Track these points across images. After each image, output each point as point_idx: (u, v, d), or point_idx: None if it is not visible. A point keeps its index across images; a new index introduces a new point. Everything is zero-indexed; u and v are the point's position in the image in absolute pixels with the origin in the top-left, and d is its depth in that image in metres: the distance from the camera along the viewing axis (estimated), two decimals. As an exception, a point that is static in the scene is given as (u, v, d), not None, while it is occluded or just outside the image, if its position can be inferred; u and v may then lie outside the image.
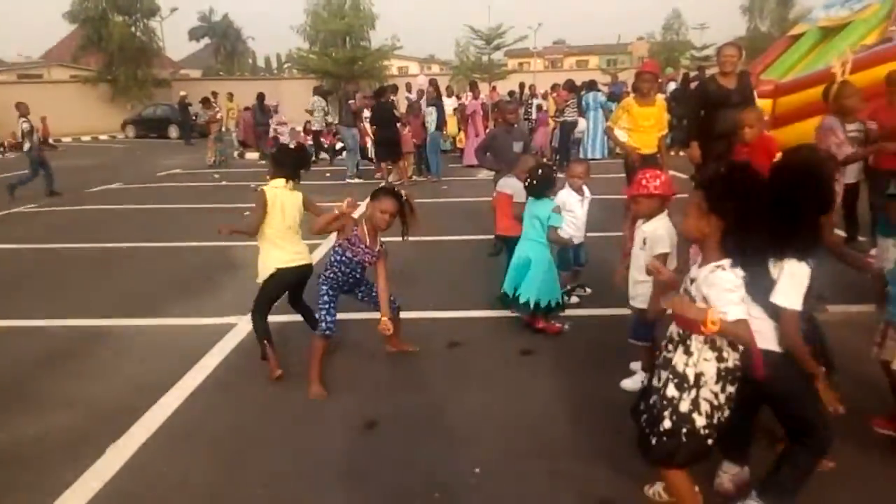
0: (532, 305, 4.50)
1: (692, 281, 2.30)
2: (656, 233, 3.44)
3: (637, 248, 3.62)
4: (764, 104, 13.12)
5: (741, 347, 2.27)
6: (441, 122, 13.78)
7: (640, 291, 3.61)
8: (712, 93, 5.80)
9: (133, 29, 34.04)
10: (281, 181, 4.18)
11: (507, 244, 5.09)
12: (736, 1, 44.05)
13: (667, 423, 2.31)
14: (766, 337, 2.35)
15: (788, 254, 2.29)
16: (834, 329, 3.24)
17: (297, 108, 20.54)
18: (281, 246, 4.13)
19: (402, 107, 14.96)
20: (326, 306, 3.93)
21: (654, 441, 2.35)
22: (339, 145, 16.27)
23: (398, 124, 12.45)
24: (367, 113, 13.54)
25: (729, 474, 2.74)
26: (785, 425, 2.51)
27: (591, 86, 16.65)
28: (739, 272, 2.18)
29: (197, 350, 4.51)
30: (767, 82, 14.63)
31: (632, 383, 3.70)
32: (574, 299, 5.22)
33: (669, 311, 2.38)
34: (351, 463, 3.16)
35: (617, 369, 3.89)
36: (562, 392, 3.79)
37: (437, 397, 3.79)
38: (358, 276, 4.04)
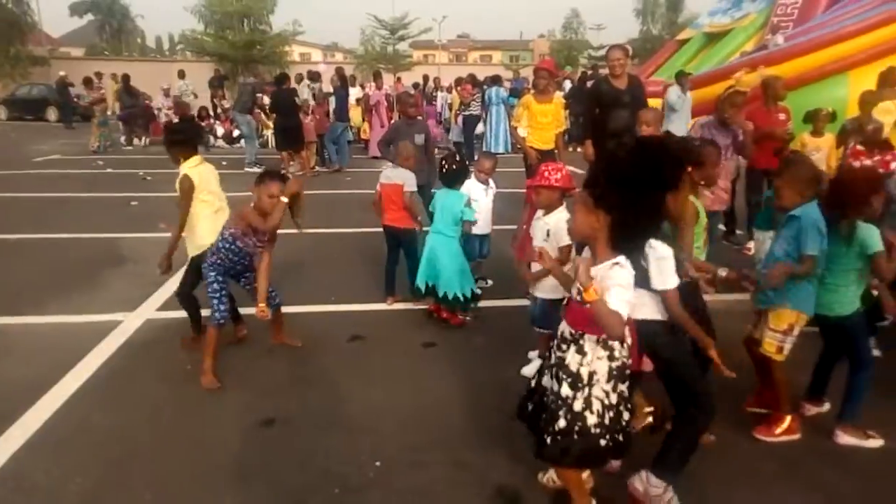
0: (451, 298, 4.58)
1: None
2: (559, 225, 3.54)
3: (540, 240, 3.73)
4: (655, 104, 13.86)
5: (630, 341, 2.36)
6: (345, 112, 13.56)
7: (544, 284, 3.71)
8: (605, 93, 6.03)
9: (3, 1, 31.12)
10: (195, 158, 4.13)
11: (395, 236, 5.08)
12: (630, 4, 46.22)
13: (561, 423, 2.35)
14: (650, 307, 2.50)
15: (647, 234, 2.36)
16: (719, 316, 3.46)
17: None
18: (214, 218, 4.07)
19: (306, 95, 14.57)
20: (217, 295, 3.82)
21: (548, 440, 2.39)
22: (235, 132, 15.66)
23: (300, 113, 12.13)
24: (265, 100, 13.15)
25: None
26: (673, 397, 2.65)
27: (495, 81, 16.93)
28: (631, 268, 2.24)
29: (80, 349, 4.21)
30: (658, 83, 15.42)
31: (531, 370, 3.80)
32: (477, 292, 5.30)
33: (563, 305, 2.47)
34: (246, 462, 3.05)
35: (517, 359, 3.99)
36: (463, 383, 3.84)
37: (338, 392, 3.73)
38: (245, 262, 3.94)
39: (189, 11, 33.56)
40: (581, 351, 2.35)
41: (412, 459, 3.06)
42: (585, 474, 2.68)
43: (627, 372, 2.38)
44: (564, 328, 2.43)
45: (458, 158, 4.82)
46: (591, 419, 2.32)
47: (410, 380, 3.90)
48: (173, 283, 4.81)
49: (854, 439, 3.17)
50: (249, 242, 3.81)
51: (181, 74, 17.36)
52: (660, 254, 2.42)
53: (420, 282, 4.71)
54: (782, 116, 6.30)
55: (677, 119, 10.93)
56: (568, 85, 17.63)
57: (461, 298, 4.61)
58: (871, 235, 3.02)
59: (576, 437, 2.33)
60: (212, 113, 18.35)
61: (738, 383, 3.55)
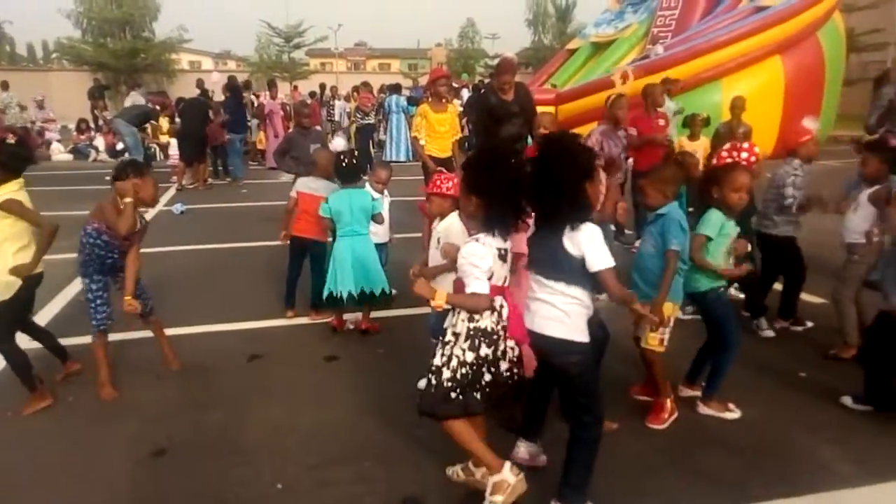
0: (379, 294, 4.58)
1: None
2: (450, 230, 3.58)
3: (433, 248, 3.75)
4: (548, 112, 14.35)
5: (505, 312, 2.53)
6: (241, 123, 13.15)
7: (440, 284, 3.72)
8: (495, 106, 6.15)
9: None
10: (14, 182, 3.52)
11: (304, 247, 4.97)
12: (522, 14, 47.62)
13: (427, 379, 2.61)
14: (566, 325, 2.54)
15: (569, 221, 2.45)
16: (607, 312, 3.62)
17: (69, 104, 18.37)
18: (28, 249, 3.56)
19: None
20: (96, 297, 3.65)
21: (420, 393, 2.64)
22: (119, 145, 14.78)
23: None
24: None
25: (524, 445, 2.98)
26: (567, 404, 2.73)
27: (394, 89, 16.96)
28: (492, 242, 2.45)
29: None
30: (549, 91, 15.99)
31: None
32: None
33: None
34: (136, 497, 2.87)
35: (419, 368, 3.96)
36: (367, 395, 3.79)
37: (236, 414, 3.59)
38: (116, 256, 3.73)
39: (65, 16, 31.51)
40: (454, 313, 2.58)
41: (316, 478, 2.99)
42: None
43: (497, 337, 2.53)
44: None
45: (355, 154, 4.75)
46: (446, 374, 2.53)
47: (313, 396, 3.81)
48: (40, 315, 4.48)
49: (713, 411, 3.46)
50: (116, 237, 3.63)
51: (5, 86, 16.14)
52: (590, 233, 2.45)
53: (354, 289, 4.52)
54: (661, 122, 6.69)
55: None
56: (466, 93, 17.93)
57: (387, 294, 4.61)
58: (705, 219, 3.35)
59: (432, 389, 2.56)
60: (92, 125, 17.27)
61: (621, 373, 3.78)
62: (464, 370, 2.51)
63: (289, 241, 4.99)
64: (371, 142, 15.40)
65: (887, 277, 3.39)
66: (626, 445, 3.21)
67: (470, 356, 2.50)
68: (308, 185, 4.92)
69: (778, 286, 4.82)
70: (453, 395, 2.51)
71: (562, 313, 2.53)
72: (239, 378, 4.05)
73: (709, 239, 3.35)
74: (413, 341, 4.38)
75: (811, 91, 13.99)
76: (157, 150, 15.89)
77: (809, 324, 4.69)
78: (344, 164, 4.61)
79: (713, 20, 14.81)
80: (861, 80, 24.16)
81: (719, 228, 3.35)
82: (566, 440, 2.66)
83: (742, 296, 4.97)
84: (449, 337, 2.56)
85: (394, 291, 5.34)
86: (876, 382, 3.44)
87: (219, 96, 15.26)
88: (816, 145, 4.62)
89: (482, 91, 13.00)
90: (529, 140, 5.85)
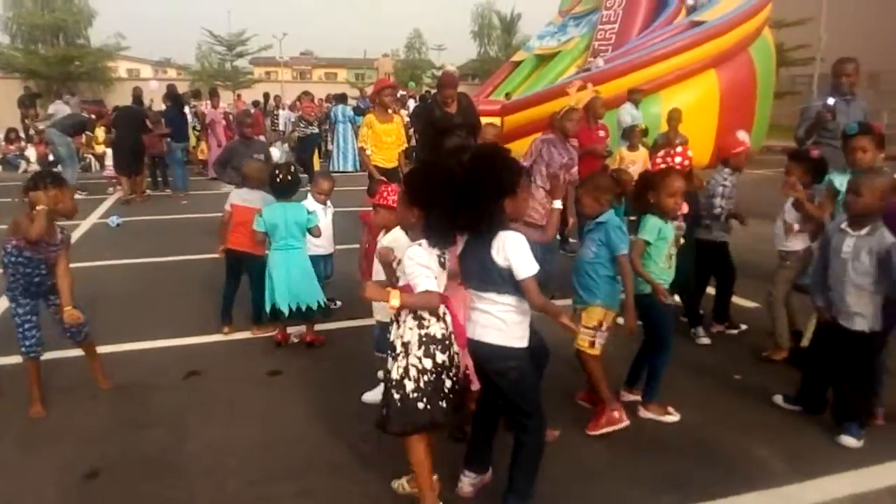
0: (316, 308, 4.52)
1: (399, 262, 2.58)
2: (397, 242, 3.56)
3: (378, 262, 3.73)
4: (494, 122, 14.53)
5: (449, 319, 2.54)
6: (182, 132, 12.82)
7: (383, 304, 3.69)
8: (438, 119, 6.19)
9: None
10: None
11: (239, 261, 4.85)
12: (468, 26, 48.04)
13: (388, 395, 2.54)
14: (503, 332, 2.57)
15: (488, 232, 2.50)
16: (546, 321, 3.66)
17: (-1, 112, 17.56)
18: None
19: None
20: (24, 322, 3.53)
21: (384, 412, 2.55)
22: (52, 156, 14.17)
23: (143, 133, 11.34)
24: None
25: (468, 478, 2.89)
26: (512, 417, 2.73)
27: (340, 99, 16.86)
28: (434, 251, 2.46)
29: None
30: (495, 102, 16.19)
31: (373, 395, 3.73)
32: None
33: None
34: (65, 524, 2.74)
35: (365, 380, 3.94)
36: (312, 409, 3.73)
37: (173, 433, 3.47)
38: (44, 273, 3.58)
39: (-9, 21, 30.20)
40: (399, 325, 2.56)
41: (257, 495, 2.91)
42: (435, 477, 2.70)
43: (448, 342, 2.54)
44: (392, 314, 2.61)
45: (292, 169, 4.69)
46: (410, 385, 2.49)
47: (254, 412, 3.72)
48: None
49: (653, 415, 3.52)
50: (39, 247, 3.48)
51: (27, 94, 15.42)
52: (513, 242, 2.48)
53: (283, 305, 4.45)
54: (602, 133, 6.85)
55: None
56: (412, 104, 17.97)
57: (323, 307, 4.56)
58: (642, 225, 3.45)
59: (398, 404, 2.50)
60: (23, 135, 16.56)
61: (566, 379, 3.83)
62: (426, 377, 2.49)
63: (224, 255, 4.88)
64: (318, 151, 15.22)
65: (814, 284, 3.54)
66: (570, 451, 3.24)
67: (428, 363, 2.49)
68: (242, 196, 4.82)
69: (711, 290, 4.98)
70: (420, 405, 2.48)
71: (498, 321, 2.56)
72: (176, 396, 3.92)
73: (647, 244, 3.44)
74: (358, 353, 4.34)
75: (744, 103, 14.59)
76: (93, 160, 15.34)
77: (743, 326, 4.86)
78: (279, 179, 4.53)
79: (651, 34, 15.30)
80: (790, 93, 25.39)
81: (657, 232, 3.45)
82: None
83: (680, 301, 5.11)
84: (399, 348, 2.53)
85: (339, 303, 5.30)
86: (810, 387, 3.57)
87: (158, 105, 14.86)
88: (747, 157, 4.81)
89: (427, 102, 13.08)
90: None
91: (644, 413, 3.54)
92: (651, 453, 3.26)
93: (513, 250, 2.47)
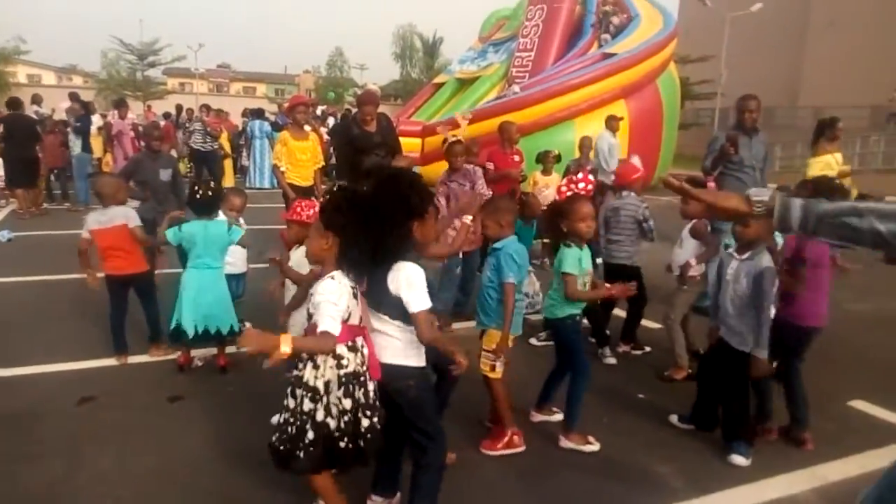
0: (227, 331, 4.35)
1: (311, 295, 2.48)
2: (301, 260, 3.50)
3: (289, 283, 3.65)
4: (414, 143, 14.64)
5: (366, 351, 2.51)
6: (87, 143, 12.15)
7: (296, 320, 3.60)
8: (356, 136, 6.17)
9: None
10: None
11: (126, 284, 4.56)
12: (389, 48, 48.24)
13: (310, 435, 2.44)
14: (400, 350, 2.57)
15: (391, 258, 2.50)
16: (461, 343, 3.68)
17: None
18: None
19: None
20: None
21: (301, 454, 2.44)
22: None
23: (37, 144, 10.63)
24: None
25: (376, 503, 2.85)
26: (412, 438, 2.69)
27: (257, 114, 16.51)
28: (346, 281, 2.43)
29: None
30: (416, 123, 16.31)
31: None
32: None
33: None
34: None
35: (273, 404, 3.79)
36: (214, 436, 3.57)
37: (64, 465, 3.23)
38: None
39: None
40: (315, 365, 2.46)
41: (150, 531, 2.75)
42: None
43: (364, 378, 2.50)
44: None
45: (212, 185, 4.50)
46: (333, 423, 2.46)
47: (153, 439, 3.53)
48: None
49: (574, 444, 3.54)
50: None
51: None
52: (410, 274, 2.47)
53: (188, 325, 4.25)
54: (517, 158, 7.02)
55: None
56: (332, 121, 17.82)
57: (235, 331, 4.37)
58: (563, 259, 3.51)
59: (321, 443, 2.43)
60: None
61: (477, 401, 3.85)
62: (346, 417, 2.46)
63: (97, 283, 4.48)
64: (225, 168, 14.78)
65: (711, 304, 3.73)
66: (480, 471, 3.26)
67: (347, 403, 2.46)
68: (99, 219, 4.47)
69: (619, 312, 5.17)
70: (342, 444, 2.45)
71: (394, 339, 2.58)
72: (67, 424, 3.66)
73: (573, 274, 3.49)
74: (266, 376, 4.15)
75: (651, 132, 15.37)
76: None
77: (647, 348, 5.06)
78: (198, 195, 4.36)
79: (565, 64, 15.89)
80: (694, 125, 27.01)
81: (578, 263, 3.52)
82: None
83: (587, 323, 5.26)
84: (320, 390, 2.44)
85: (247, 324, 5.11)
86: (702, 405, 3.74)
87: (60, 114, 14.04)
88: (644, 182, 5.08)
89: (347, 120, 13.00)
90: None
91: (565, 443, 3.53)
92: (560, 473, 3.32)
93: (406, 283, 2.47)
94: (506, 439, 3.47)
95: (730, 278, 3.48)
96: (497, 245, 3.43)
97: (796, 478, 3.32)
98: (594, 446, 3.54)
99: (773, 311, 3.41)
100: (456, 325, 5.38)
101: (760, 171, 5.87)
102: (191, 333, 4.27)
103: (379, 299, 2.55)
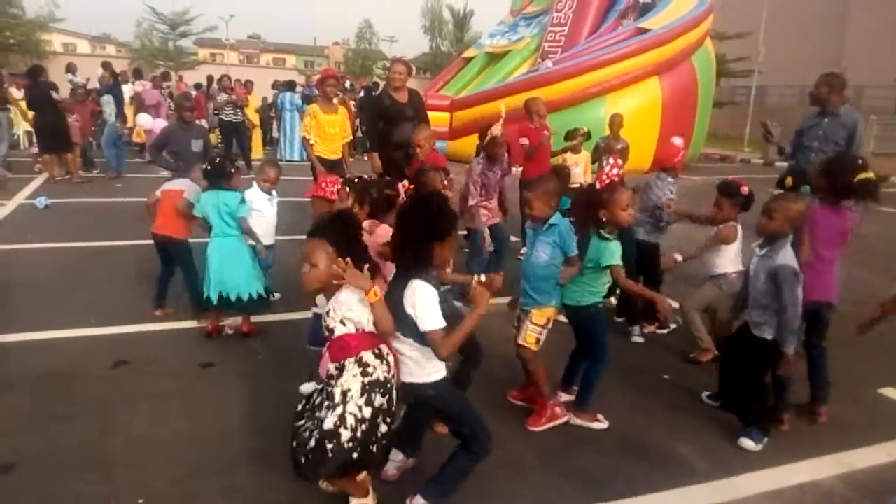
0: (248, 299, 4.44)
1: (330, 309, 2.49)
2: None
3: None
4: (442, 118, 14.55)
5: (391, 359, 2.52)
6: (119, 112, 12.33)
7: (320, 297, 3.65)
8: (388, 107, 6.15)
9: None
10: None
11: (164, 247, 4.81)
12: (419, 20, 47.66)
13: (312, 443, 2.42)
14: (415, 370, 2.58)
15: (408, 275, 2.50)
16: (486, 318, 3.69)
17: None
18: None
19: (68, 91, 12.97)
20: None
21: (302, 460, 2.44)
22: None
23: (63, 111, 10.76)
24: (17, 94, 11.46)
25: (395, 462, 2.93)
26: (455, 435, 2.73)
27: (289, 86, 16.53)
28: (357, 291, 2.42)
29: None
30: (445, 97, 16.20)
31: (309, 387, 3.71)
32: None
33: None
34: (-27, 520, 2.61)
35: (302, 373, 3.88)
36: (243, 403, 3.66)
37: (95, 426, 3.34)
38: None
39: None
40: (340, 372, 2.46)
41: (181, 491, 2.84)
42: (362, 476, 2.70)
43: (389, 385, 2.50)
44: (330, 366, 2.51)
45: (230, 158, 4.66)
46: (346, 435, 2.41)
47: (184, 405, 3.62)
48: None
49: (583, 422, 3.56)
50: None
51: None
52: (423, 293, 2.46)
53: (213, 292, 4.38)
54: (546, 133, 6.94)
55: None
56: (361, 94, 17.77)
57: (255, 298, 4.47)
58: (607, 252, 3.40)
59: (329, 454, 2.39)
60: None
61: (500, 377, 3.89)
62: (364, 427, 2.44)
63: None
64: (265, 139, 14.89)
65: (739, 297, 3.70)
66: (500, 446, 3.26)
67: (367, 411, 2.44)
68: (171, 182, 4.83)
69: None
70: (355, 454, 2.42)
71: (409, 360, 2.57)
72: (102, 386, 3.77)
73: (620, 266, 3.43)
74: (295, 346, 4.28)
75: (685, 111, 15.05)
76: (22, 137, 14.63)
77: (673, 325, 5.00)
78: (208, 166, 4.48)
79: (598, 39, 15.58)
80: (730, 103, 26.37)
81: (620, 254, 3.45)
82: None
83: (615, 302, 5.23)
84: (338, 398, 2.44)
85: (277, 295, 5.20)
86: (726, 386, 3.72)
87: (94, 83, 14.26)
88: (682, 162, 4.98)
89: (376, 93, 12.98)
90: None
91: (575, 420, 3.57)
92: (580, 451, 3.34)
93: (420, 302, 2.45)
94: (549, 413, 3.50)
95: (752, 273, 3.46)
96: (552, 221, 3.41)
97: (822, 464, 3.30)
98: (603, 424, 3.57)
99: (798, 311, 3.29)
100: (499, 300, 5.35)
101: (840, 153, 4.97)
102: (215, 299, 4.38)
103: (397, 315, 2.52)
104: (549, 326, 3.49)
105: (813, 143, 5.16)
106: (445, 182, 4.14)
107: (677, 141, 5.07)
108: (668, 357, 4.60)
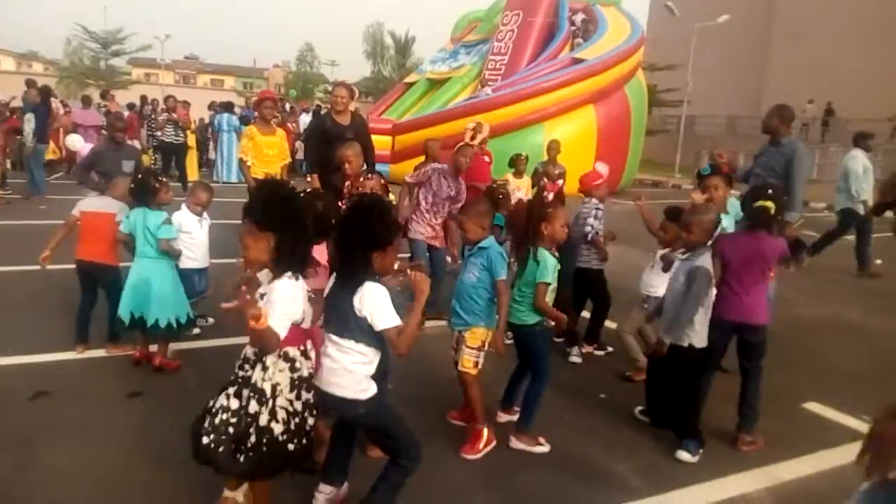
0: (164, 325, 4.19)
1: (262, 296, 2.44)
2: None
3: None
4: (384, 141, 14.60)
5: (313, 355, 2.54)
6: (44, 131, 11.80)
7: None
8: (328, 129, 6.13)
9: None
10: None
11: (93, 274, 4.49)
12: (360, 45, 47.61)
13: (252, 439, 2.42)
14: (353, 385, 2.54)
15: (354, 280, 2.50)
16: (430, 341, 3.70)
17: None
18: None
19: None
20: None
21: (241, 458, 2.42)
22: None
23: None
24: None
25: (324, 494, 2.83)
26: (384, 450, 2.72)
27: (227, 107, 16.26)
28: (302, 283, 2.45)
29: None
30: (388, 121, 16.28)
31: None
32: (196, 330, 4.91)
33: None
34: None
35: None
36: (171, 434, 3.47)
37: (14, 460, 3.14)
38: None
39: None
40: (264, 367, 2.46)
41: (104, 529, 2.69)
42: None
43: (313, 381, 2.55)
44: (248, 350, 2.52)
45: (156, 175, 4.45)
46: (278, 428, 2.44)
47: (108, 437, 3.45)
48: None
49: (525, 445, 3.54)
50: None
51: None
52: (375, 294, 2.46)
53: (124, 312, 4.16)
54: (486, 159, 7.05)
55: None
56: (304, 117, 17.63)
57: (174, 325, 4.24)
58: (542, 267, 3.47)
59: (265, 448, 2.41)
60: None
61: (440, 399, 3.87)
62: (296, 419, 2.48)
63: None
64: (201, 161, 14.55)
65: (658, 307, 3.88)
66: (440, 468, 3.26)
67: (298, 405, 2.49)
68: (92, 202, 4.48)
69: (585, 313, 5.23)
70: (291, 446, 2.45)
71: (346, 373, 2.54)
72: (20, 419, 3.56)
73: (548, 284, 3.50)
74: (228, 373, 4.11)
75: (619, 138, 15.61)
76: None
77: (610, 349, 5.12)
78: (136, 185, 4.25)
79: (536, 68, 16.01)
80: (661, 132, 27.46)
81: (554, 270, 3.52)
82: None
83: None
84: (267, 392, 2.43)
85: (210, 320, 5.05)
86: (652, 401, 3.85)
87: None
88: (607, 188, 5.15)
89: (320, 114, 12.93)
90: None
91: (516, 444, 3.54)
92: (521, 472, 3.35)
93: (374, 302, 2.45)
94: (484, 439, 3.48)
95: (672, 277, 3.69)
96: (483, 244, 3.45)
97: (751, 477, 3.40)
98: (544, 448, 3.54)
99: (707, 311, 3.55)
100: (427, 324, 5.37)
101: (782, 180, 5.11)
102: (126, 320, 4.18)
103: (342, 323, 2.51)
104: (485, 349, 3.50)
105: (756, 169, 5.45)
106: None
107: (600, 167, 5.24)
108: (604, 376, 4.68)
